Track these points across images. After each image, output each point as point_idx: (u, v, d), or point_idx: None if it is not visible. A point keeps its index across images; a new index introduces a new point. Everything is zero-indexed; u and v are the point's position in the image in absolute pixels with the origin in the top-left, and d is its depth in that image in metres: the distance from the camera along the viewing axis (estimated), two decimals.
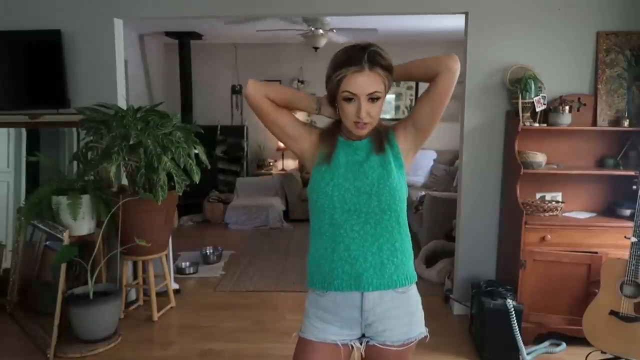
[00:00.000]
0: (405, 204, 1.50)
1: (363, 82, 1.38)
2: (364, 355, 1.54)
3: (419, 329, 1.53)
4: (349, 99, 1.40)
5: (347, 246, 1.45)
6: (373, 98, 1.40)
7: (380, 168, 1.46)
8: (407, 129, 1.52)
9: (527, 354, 2.89)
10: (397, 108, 7.27)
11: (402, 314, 1.50)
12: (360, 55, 1.38)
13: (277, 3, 3.57)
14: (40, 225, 3.33)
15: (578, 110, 3.33)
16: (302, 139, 1.55)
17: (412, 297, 1.53)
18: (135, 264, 3.75)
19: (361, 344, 1.52)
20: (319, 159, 1.51)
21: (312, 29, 5.54)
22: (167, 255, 3.77)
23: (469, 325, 3.36)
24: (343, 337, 1.51)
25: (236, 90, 7.39)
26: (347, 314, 1.49)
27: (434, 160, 6.93)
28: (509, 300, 2.92)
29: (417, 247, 4.29)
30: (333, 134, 1.54)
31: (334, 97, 1.45)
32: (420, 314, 1.55)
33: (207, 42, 7.01)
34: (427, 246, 4.56)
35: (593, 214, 3.33)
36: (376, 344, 1.50)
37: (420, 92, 7.92)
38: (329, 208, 1.46)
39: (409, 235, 1.53)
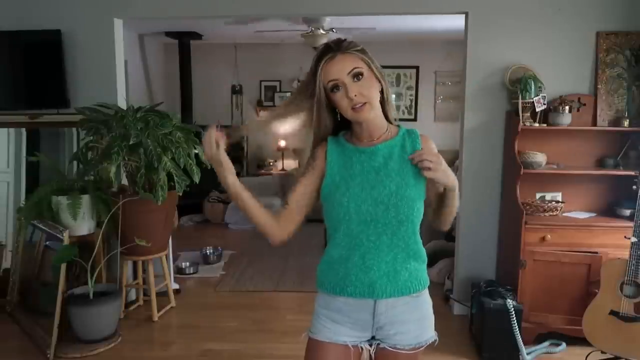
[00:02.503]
0: (422, 212, 1.46)
1: (338, 64, 1.38)
2: (373, 358, 1.53)
3: (430, 333, 1.52)
4: (335, 88, 1.39)
5: (362, 255, 1.43)
6: (355, 75, 1.38)
7: (398, 177, 1.41)
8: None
9: (527, 354, 2.89)
10: (397, 108, 7.26)
11: (414, 318, 1.49)
12: (327, 47, 1.41)
13: (277, 3, 3.57)
14: (40, 225, 3.33)
15: (578, 110, 3.33)
16: (318, 173, 1.49)
17: (425, 301, 1.52)
18: (135, 264, 3.74)
19: (371, 346, 1.51)
20: (331, 171, 1.46)
21: (312, 29, 5.54)
22: (167, 255, 3.77)
23: (469, 325, 3.36)
24: (353, 339, 1.50)
25: (236, 90, 7.39)
26: (359, 317, 1.48)
27: None
28: (509, 300, 2.92)
29: None
30: (342, 143, 1.50)
31: (325, 100, 1.42)
32: (431, 318, 1.54)
33: (207, 42, 7.01)
34: (427, 246, 4.51)
35: (593, 214, 3.33)
36: (387, 347, 1.49)
37: (420, 94, 7.85)
38: (344, 219, 1.42)
39: (421, 239, 1.51)
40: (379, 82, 1.43)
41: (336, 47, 1.40)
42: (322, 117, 1.45)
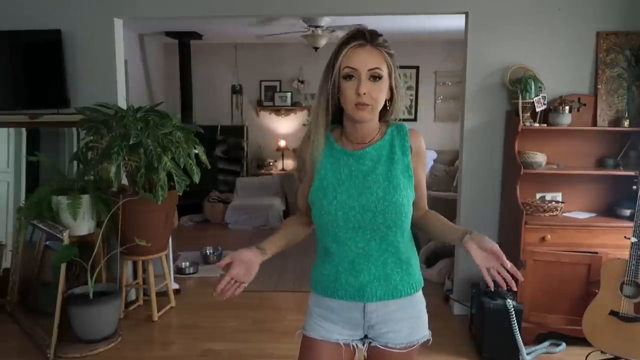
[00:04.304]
0: (411, 215, 1.44)
1: (364, 56, 1.32)
2: (366, 357, 1.53)
3: (422, 332, 1.51)
4: (349, 76, 1.33)
5: (351, 261, 1.42)
6: (374, 76, 1.33)
7: (385, 182, 1.39)
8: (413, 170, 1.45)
9: (527, 354, 2.89)
10: None
11: (406, 317, 1.48)
12: (362, 32, 1.34)
13: (278, 3, 3.57)
14: (40, 225, 3.33)
15: (578, 110, 3.33)
16: (310, 174, 1.48)
17: (418, 301, 1.51)
18: (135, 264, 3.74)
19: (363, 344, 1.51)
20: (319, 174, 1.43)
21: (312, 29, 5.54)
22: (167, 255, 3.77)
23: (469, 325, 3.36)
24: (345, 337, 1.49)
25: (236, 90, 7.39)
26: (350, 315, 1.48)
27: (434, 160, 6.92)
28: (509, 300, 2.92)
29: (417, 247, 4.29)
30: (331, 142, 1.45)
31: (333, 87, 1.36)
32: (424, 317, 1.53)
33: (207, 42, 7.01)
34: (427, 246, 4.56)
35: (593, 214, 3.33)
36: (378, 346, 1.48)
37: (421, 94, 7.83)
38: (332, 227, 1.40)
39: (413, 242, 1.50)
40: (391, 91, 1.40)
41: (369, 38, 1.34)
42: (333, 100, 1.38)
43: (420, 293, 1.52)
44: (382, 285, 1.43)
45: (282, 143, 7.29)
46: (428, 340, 1.52)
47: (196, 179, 3.43)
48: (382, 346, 1.48)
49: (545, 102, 3.23)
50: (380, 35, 1.37)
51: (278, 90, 7.36)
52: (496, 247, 1.33)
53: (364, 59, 1.33)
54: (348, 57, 1.33)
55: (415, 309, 1.50)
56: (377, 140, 1.44)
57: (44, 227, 3.30)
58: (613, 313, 2.68)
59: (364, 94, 1.32)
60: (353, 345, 1.50)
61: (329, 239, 1.43)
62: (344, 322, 1.49)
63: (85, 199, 3.24)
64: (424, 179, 1.52)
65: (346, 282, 1.44)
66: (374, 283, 1.43)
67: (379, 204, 1.37)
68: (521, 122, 3.20)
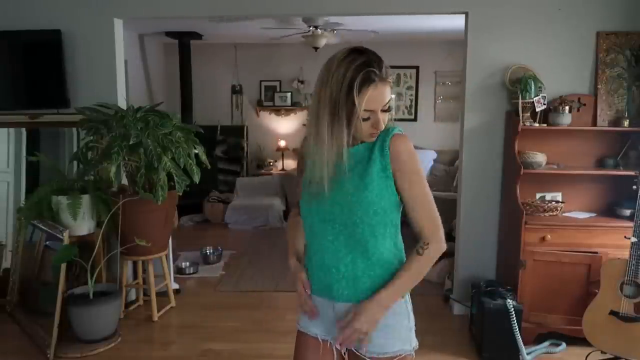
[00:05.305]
0: (388, 216, 1.41)
1: (378, 97, 1.35)
2: (345, 359, 1.53)
3: (399, 345, 1.45)
4: (366, 118, 1.36)
5: (322, 255, 1.46)
6: (387, 109, 1.38)
7: (358, 180, 1.39)
8: (394, 176, 1.41)
9: (527, 354, 2.90)
10: (397, 108, 7.26)
11: (379, 325, 1.42)
12: (372, 73, 1.32)
13: (277, 3, 3.57)
14: (40, 225, 3.33)
15: (578, 110, 3.33)
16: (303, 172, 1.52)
17: (394, 311, 1.44)
18: (135, 264, 3.75)
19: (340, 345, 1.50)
20: (306, 168, 1.48)
21: (312, 29, 5.54)
22: (167, 255, 3.77)
23: (469, 325, 3.36)
24: (324, 333, 1.52)
25: (236, 90, 7.39)
26: (324, 311, 1.51)
27: (434, 160, 6.92)
28: (509, 300, 2.92)
29: None
30: None
31: (348, 115, 1.35)
32: (403, 331, 1.47)
33: (207, 42, 7.01)
34: None
35: (593, 214, 3.33)
36: (352, 349, 1.48)
37: (421, 94, 7.81)
38: (308, 217, 1.48)
39: (398, 247, 1.47)
40: None
41: (379, 73, 1.33)
42: (346, 132, 1.36)
43: (399, 305, 1.46)
44: (349, 286, 1.43)
45: (282, 143, 7.29)
46: (406, 357, 1.46)
47: (196, 179, 3.43)
48: (355, 350, 1.47)
49: (545, 102, 3.23)
50: (383, 61, 1.36)
51: (278, 90, 7.36)
52: (345, 327, 1.41)
53: (378, 100, 1.35)
54: (368, 100, 1.33)
55: (392, 319, 1.45)
56: (357, 142, 1.44)
57: (44, 227, 3.30)
58: (613, 313, 2.68)
59: (382, 126, 1.39)
60: (331, 343, 1.51)
61: (307, 230, 1.50)
62: (320, 317, 1.52)
63: (85, 199, 3.24)
64: (412, 190, 1.41)
65: (317, 277, 1.49)
66: (341, 282, 1.44)
67: (346, 198, 1.40)
68: (521, 122, 3.20)
